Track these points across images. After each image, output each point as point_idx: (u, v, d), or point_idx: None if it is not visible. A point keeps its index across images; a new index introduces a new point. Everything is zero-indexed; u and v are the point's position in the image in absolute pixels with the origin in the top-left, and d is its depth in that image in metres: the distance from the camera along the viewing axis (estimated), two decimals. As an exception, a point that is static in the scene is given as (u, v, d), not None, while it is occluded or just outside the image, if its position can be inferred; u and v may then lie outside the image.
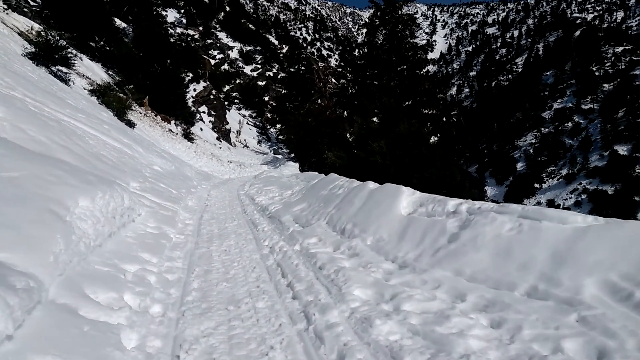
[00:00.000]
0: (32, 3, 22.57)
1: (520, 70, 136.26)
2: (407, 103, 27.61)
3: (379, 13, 30.19)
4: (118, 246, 3.73)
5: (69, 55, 15.41)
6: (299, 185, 10.21)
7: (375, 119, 22.90)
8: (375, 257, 3.81)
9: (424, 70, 31.96)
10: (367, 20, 32.24)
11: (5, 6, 18.42)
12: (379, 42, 30.61)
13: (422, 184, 13.05)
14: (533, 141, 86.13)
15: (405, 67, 29.91)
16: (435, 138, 23.95)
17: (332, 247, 4.36)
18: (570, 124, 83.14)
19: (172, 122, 25.49)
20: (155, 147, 11.97)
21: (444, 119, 31.42)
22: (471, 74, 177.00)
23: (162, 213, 5.73)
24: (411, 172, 12.93)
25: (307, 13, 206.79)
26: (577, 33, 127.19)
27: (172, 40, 36.83)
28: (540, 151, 79.81)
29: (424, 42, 31.46)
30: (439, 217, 3.86)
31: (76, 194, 3.46)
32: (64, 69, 15.42)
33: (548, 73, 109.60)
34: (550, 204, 62.95)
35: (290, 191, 9.50)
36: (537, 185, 71.40)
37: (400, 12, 30.71)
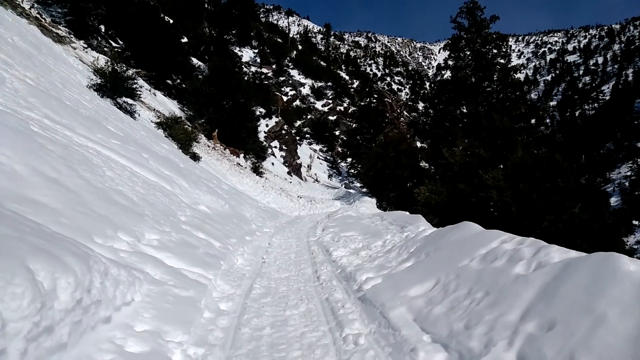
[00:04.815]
0: (114, 45, 23.36)
1: (607, 98, 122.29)
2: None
3: (463, 33, 27.13)
4: None
5: (134, 86, 14.62)
6: (391, 232, 7.36)
7: (458, 148, 19.45)
8: None
9: (517, 94, 27.81)
10: (448, 41, 29.13)
11: (86, 45, 18.81)
12: (464, 64, 27.35)
13: (558, 229, 9.41)
14: (628, 173, 74.30)
15: (496, 89, 26.10)
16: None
17: None
18: (672, 155, 70.60)
19: (241, 155, 24.39)
20: (209, 182, 9.99)
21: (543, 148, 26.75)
22: (551, 103, 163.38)
23: (175, 293, 3.26)
24: (541, 213, 9.42)
25: (377, 50, 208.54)
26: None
27: (245, 78, 37.11)
28: (638, 184, 68.27)
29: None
30: None
31: None
32: (130, 101, 14.67)
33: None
34: (654, 244, 51.94)
35: (380, 241, 6.70)
36: (635, 222, 60.08)
37: (487, 31, 27.40)
